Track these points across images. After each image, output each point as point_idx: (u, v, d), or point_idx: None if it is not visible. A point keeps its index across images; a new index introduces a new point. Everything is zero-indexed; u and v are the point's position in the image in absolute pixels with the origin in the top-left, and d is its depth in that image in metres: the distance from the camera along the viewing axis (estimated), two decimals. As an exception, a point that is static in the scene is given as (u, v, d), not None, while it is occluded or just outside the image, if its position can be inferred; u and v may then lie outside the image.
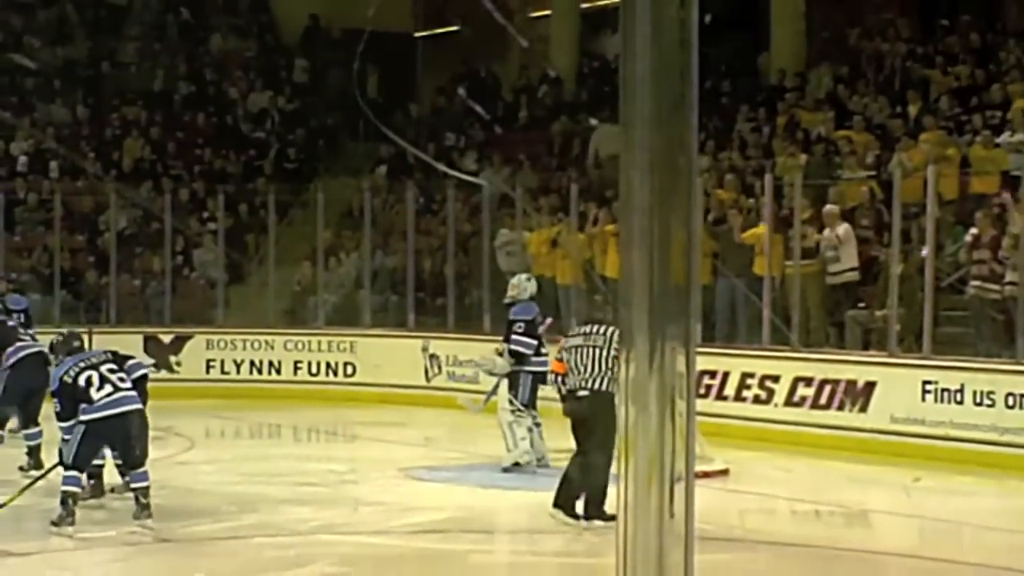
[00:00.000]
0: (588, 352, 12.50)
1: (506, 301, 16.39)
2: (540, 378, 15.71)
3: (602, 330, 12.66)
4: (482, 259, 23.01)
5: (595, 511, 12.36)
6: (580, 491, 12.48)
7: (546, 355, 15.72)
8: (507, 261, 22.63)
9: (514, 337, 15.76)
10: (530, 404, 15.79)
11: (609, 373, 12.21)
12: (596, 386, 12.38)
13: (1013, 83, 21.98)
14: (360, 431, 19.23)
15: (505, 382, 15.83)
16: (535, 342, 15.77)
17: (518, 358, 15.69)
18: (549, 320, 16.55)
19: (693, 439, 4.28)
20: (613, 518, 4.29)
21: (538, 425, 15.94)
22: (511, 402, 15.67)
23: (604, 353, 12.38)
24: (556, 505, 12.62)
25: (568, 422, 12.81)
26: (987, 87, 22.37)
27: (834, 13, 28.61)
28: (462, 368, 21.47)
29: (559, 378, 12.92)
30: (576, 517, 12.49)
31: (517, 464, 15.65)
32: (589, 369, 12.44)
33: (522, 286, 16.13)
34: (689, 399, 4.23)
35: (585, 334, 12.72)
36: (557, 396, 13.15)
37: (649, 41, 4.07)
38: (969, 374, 16.75)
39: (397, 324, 24.04)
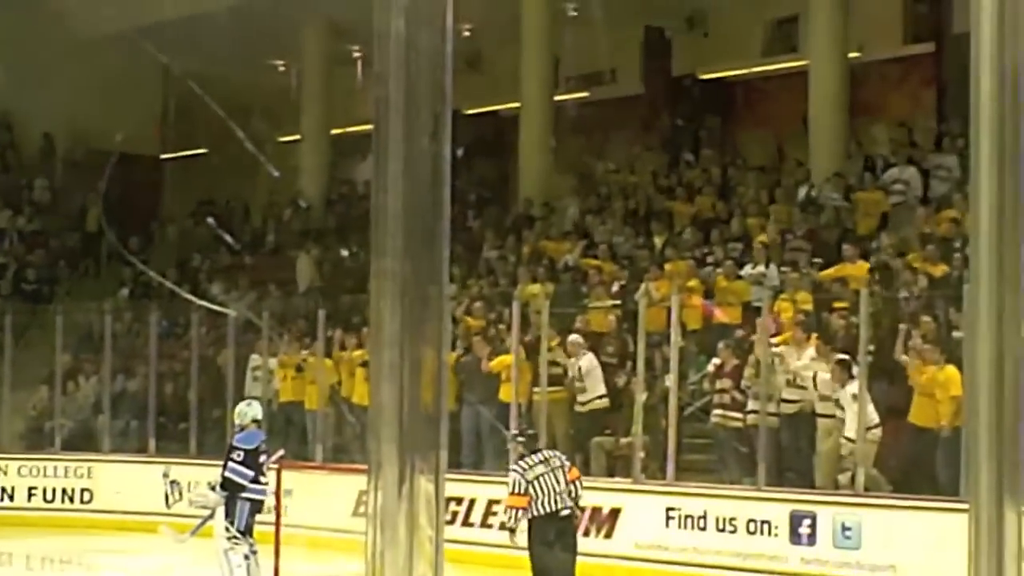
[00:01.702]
0: (554, 475, 13.09)
1: (236, 427, 16.29)
2: (257, 506, 15.66)
3: (554, 453, 13.61)
4: (226, 383, 22.69)
5: None
6: None
7: (266, 484, 15.71)
8: (254, 386, 22.41)
9: (230, 465, 15.63)
10: (246, 531, 15.67)
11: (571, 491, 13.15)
12: (572, 504, 13.18)
13: (752, 216, 22.59)
14: (97, 560, 18.70)
15: (222, 509, 15.66)
16: (252, 472, 15.66)
17: (232, 487, 15.54)
18: (281, 452, 16.46)
19: (442, 567, 4.23)
20: None
21: (255, 552, 15.81)
22: (227, 529, 15.52)
23: (564, 475, 13.12)
24: None
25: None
26: (728, 220, 22.95)
27: (581, 145, 29.18)
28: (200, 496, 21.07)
29: (518, 512, 13.12)
30: None
31: None
32: (562, 489, 13.09)
33: (242, 412, 16.01)
34: (438, 526, 4.19)
35: (543, 461, 13.19)
36: (512, 524, 13.25)
37: (401, 175, 4.06)
38: (712, 501, 16.99)
39: (138, 449, 23.54)
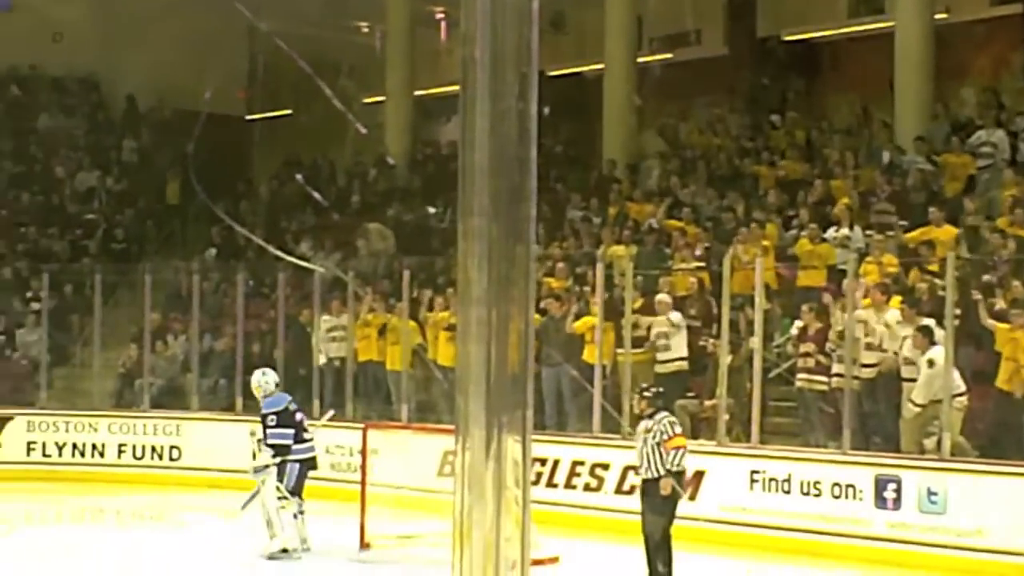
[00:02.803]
0: (644, 441, 13.55)
1: (259, 398, 16.64)
2: (308, 465, 16.10)
3: (664, 419, 13.63)
4: (311, 343, 22.85)
5: None
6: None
7: (310, 440, 16.16)
8: (329, 347, 22.58)
9: (269, 432, 15.91)
10: (296, 492, 15.99)
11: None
12: (656, 468, 13.50)
13: (837, 179, 22.45)
14: (186, 517, 18.89)
15: (274, 472, 15.87)
16: (291, 431, 15.89)
17: (280, 451, 15.76)
18: (332, 412, 17.18)
19: (528, 527, 4.26)
20: None
21: (302, 512, 16.25)
22: (278, 489, 15.76)
23: (660, 439, 13.44)
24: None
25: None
26: (812, 183, 22.80)
27: (666, 107, 29.06)
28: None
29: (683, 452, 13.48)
30: None
31: (285, 551, 15.82)
32: (649, 452, 13.49)
33: (261, 381, 16.50)
34: (525, 487, 4.21)
35: (647, 429, 13.53)
36: (673, 470, 13.47)
37: (488, 133, 4.07)
38: (797, 464, 16.94)
39: (225, 407, 23.74)
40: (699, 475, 17.56)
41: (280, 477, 15.87)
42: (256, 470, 16.22)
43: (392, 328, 22.08)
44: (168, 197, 32.36)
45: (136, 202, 32.35)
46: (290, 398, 16.61)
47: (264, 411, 16.12)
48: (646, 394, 13.78)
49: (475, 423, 4.12)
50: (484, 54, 4.11)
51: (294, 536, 15.86)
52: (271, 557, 15.80)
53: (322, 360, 22.50)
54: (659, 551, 13.60)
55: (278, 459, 15.84)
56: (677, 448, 13.37)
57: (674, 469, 13.38)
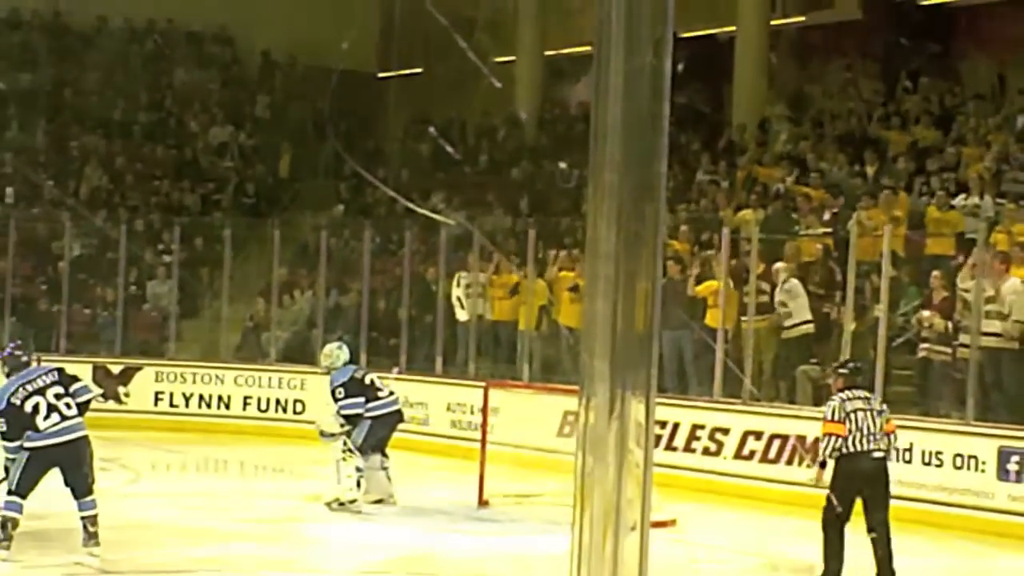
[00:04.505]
0: (871, 415, 12.35)
1: (322, 370, 16.83)
2: (385, 422, 16.31)
3: (876, 397, 12.93)
4: (436, 300, 22.97)
5: None
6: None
7: (386, 396, 16.42)
8: (467, 303, 22.61)
9: (340, 404, 16.14)
10: (377, 447, 16.18)
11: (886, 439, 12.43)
12: (885, 449, 12.41)
13: (970, 146, 22.14)
14: (309, 469, 19.11)
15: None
16: (362, 399, 16.16)
17: (353, 421, 16.09)
18: (398, 369, 16.83)
19: (649, 489, 4.26)
20: None
21: (386, 468, 16.43)
22: (345, 443, 15.99)
23: (881, 419, 12.40)
24: None
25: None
26: (944, 150, 22.52)
27: (797, 70, 28.81)
28: (412, 411, 21.36)
29: (836, 440, 12.30)
30: None
31: (341, 503, 15.91)
32: (877, 431, 12.33)
33: (334, 355, 16.62)
34: (647, 449, 4.22)
35: (863, 398, 12.47)
36: (829, 458, 12.43)
37: (622, 89, 4.07)
38: (919, 433, 16.79)
39: (349, 363, 23.88)
40: (819, 442, 17.45)
41: (350, 432, 16.05)
42: (323, 434, 16.43)
43: (523, 288, 22.12)
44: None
45: (268, 158, 32.68)
46: (356, 367, 16.80)
47: (332, 385, 16.26)
48: (842, 371, 12.78)
49: (599, 382, 4.13)
50: (619, 12, 4.11)
51: (353, 489, 15.90)
52: (327, 506, 15.96)
53: (464, 317, 22.47)
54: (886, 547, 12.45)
55: (348, 427, 16.02)
56: (894, 432, 12.58)
57: (890, 457, 12.51)
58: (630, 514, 4.16)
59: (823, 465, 12.52)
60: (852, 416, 12.25)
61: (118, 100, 33.13)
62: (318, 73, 26.88)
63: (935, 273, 18.33)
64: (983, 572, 15.07)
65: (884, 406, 12.66)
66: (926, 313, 18.05)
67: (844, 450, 12.24)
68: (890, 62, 27.84)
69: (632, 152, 4.09)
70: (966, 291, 17.45)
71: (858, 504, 12.43)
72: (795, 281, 19.24)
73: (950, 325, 17.75)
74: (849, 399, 12.36)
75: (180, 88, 34.15)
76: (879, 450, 12.30)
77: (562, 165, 26.37)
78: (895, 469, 16.44)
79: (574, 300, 20.46)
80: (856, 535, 12.38)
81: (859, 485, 12.34)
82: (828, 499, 12.37)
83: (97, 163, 30.83)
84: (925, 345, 18.03)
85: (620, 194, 4.09)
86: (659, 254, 4.21)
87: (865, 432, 12.24)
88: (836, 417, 12.29)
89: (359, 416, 16.08)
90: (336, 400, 16.17)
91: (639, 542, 4.14)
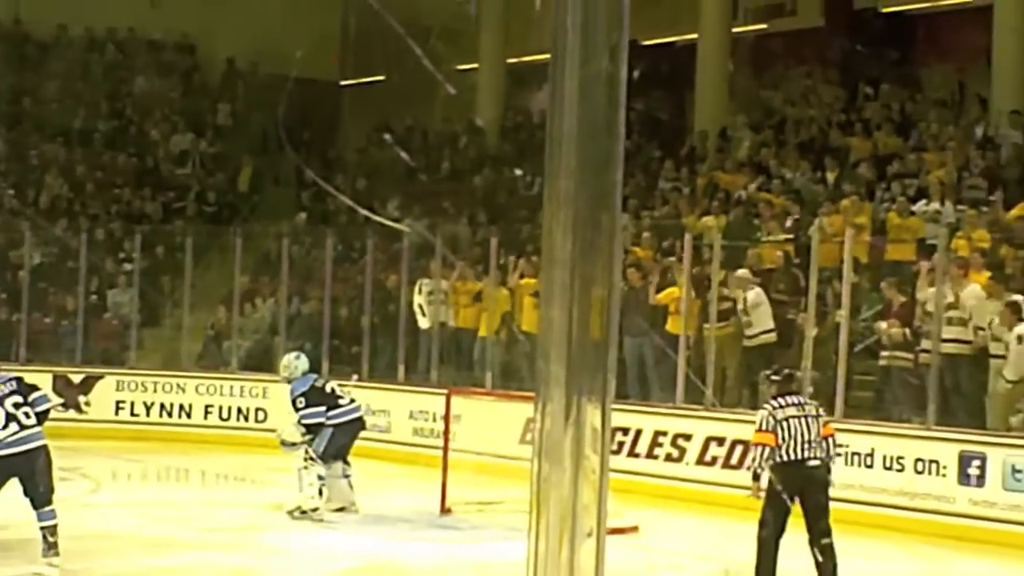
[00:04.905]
0: (806, 422, 11.97)
1: (281, 379, 16.81)
2: (346, 429, 16.24)
3: (809, 402, 12.45)
4: (399, 308, 22.94)
5: None
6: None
7: (347, 405, 16.35)
8: (429, 310, 22.60)
9: (300, 414, 16.14)
10: (335, 456, 16.17)
11: (823, 444, 12.02)
12: (823, 455, 12.04)
13: (930, 153, 22.25)
14: (271, 478, 19.07)
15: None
16: (323, 407, 16.14)
17: (314, 429, 16.07)
18: (356, 377, 17.42)
19: (606, 495, 4.26)
20: None
21: (348, 476, 16.42)
22: (307, 451, 16.00)
23: (818, 425, 12.02)
24: None
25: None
26: (904, 156, 22.62)
27: (758, 77, 28.91)
28: (374, 418, 21.33)
29: (765, 450, 11.96)
30: None
31: (303, 512, 15.88)
32: (813, 439, 11.93)
33: (292, 365, 16.60)
34: (603, 455, 4.21)
35: (797, 404, 12.09)
36: (760, 470, 12.07)
37: (577, 95, 4.08)
38: (880, 438, 16.86)
39: (311, 371, 23.83)
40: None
41: (312, 440, 16.03)
42: (284, 443, 16.43)
43: (486, 295, 22.12)
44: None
45: (229, 166, 32.62)
46: (316, 376, 16.79)
47: (292, 395, 16.26)
48: (774, 377, 12.33)
49: (555, 387, 4.13)
50: (576, 18, 4.11)
51: (315, 498, 15.90)
52: (289, 514, 15.95)
53: (425, 324, 22.45)
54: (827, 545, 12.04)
55: (309, 436, 16.01)
56: (832, 436, 12.18)
57: (831, 462, 12.15)
58: (586, 520, 4.15)
59: (756, 477, 12.11)
60: (784, 424, 11.91)
61: (78, 108, 33.02)
62: (280, 81, 26.84)
63: (884, 283, 18.41)
64: (944, 576, 15.13)
65: (821, 411, 12.32)
66: (883, 325, 18.12)
67: (779, 459, 11.88)
68: (851, 69, 27.96)
69: (588, 159, 4.09)
70: (924, 301, 17.54)
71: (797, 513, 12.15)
72: (758, 290, 19.29)
73: (908, 332, 17.83)
74: (781, 407, 11.99)
75: (141, 96, 34.06)
76: (815, 458, 11.91)
77: (518, 172, 26.40)
78: (857, 474, 16.60)
79: (536, 306, 20.46)
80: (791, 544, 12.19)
81: (796, 495, 11.90)
82: (763, 515, 12.01)
83: (57, 172, 30.74)
84: (886, 353, 18.10)
85: (576, 201, 4.09)
86: (616, 261, 4.21)
87: (800, 440, 11.86)
88: (766, 427, 11.95)
89: (320, 425, 16.07)
90: (297, 410, 16.15)
91: (595, 548, 4.14)
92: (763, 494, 12.03)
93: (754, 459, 12.12)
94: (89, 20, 33.93)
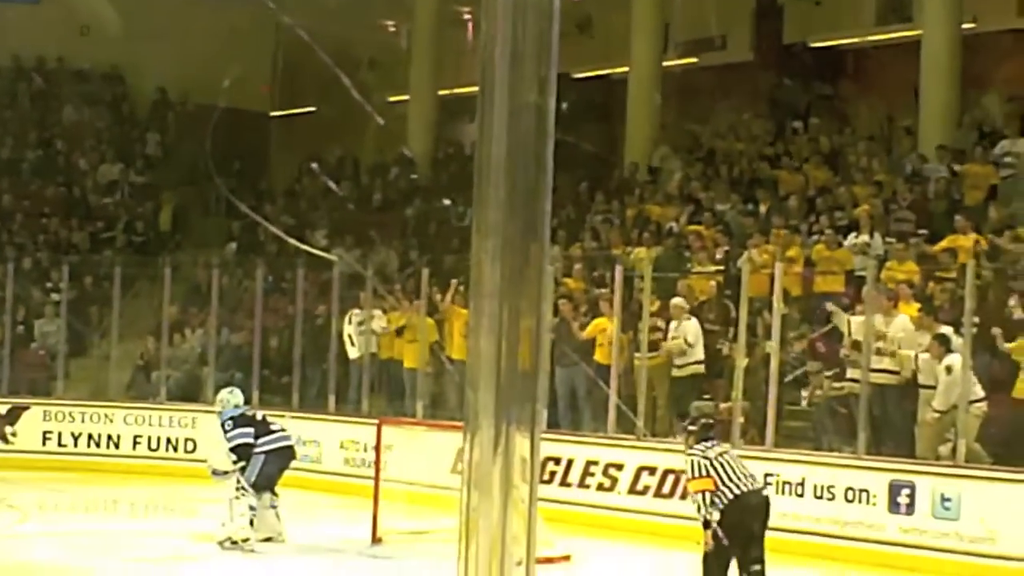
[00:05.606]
0: (734, 457, 12.01)
1: (216, 412, 16.74)
2: (277, 456, 16.17)
3: (727, 446, 12.49)
4: (329, 339, 22.87)
5: None
6: None
7: (278, 431, 16.35)
8: (358, 341, 22.53)
9: (229, 435, 16.09)
10: (265, 486, 16.11)
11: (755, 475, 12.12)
12: (761, 483, 12.10)
13: (859, 186, 22.42)
14: (200, 508, 18.95)
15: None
16: (251, 429, 16.13)
17: (243, 451, 16.00)
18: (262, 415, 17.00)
19: (535, 525, 4.26)
20: None
21: (274, 506, 16.38)
22: (238, 480, 15.93)
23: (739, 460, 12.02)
24: None
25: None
26: (834, 189, 22.79)
27: (688, 110, 29.06)
28: (305, 448, 21.22)
29: (707, 496, 11.61)
30: None
31: (233, 542, 15.81)
32: (748, 470, 11.93)
33: (225, 400, 16.57)
34: (532, 484, 4.22)
35: (718, 444, 12.02)
36: (707, 513, 11.62)
37: (506, 126, 4.09)
38: (811, 468, 16.95)
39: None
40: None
41: (243, 469, 15.96)
42: (215, 473, 16.36)
43: (410, 326, 22.09)
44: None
45: (158, 196, 32.43)
46: (246, 408, 16.78)
47: (221, 420, 16.22)
48: (692, 427, 12.07)
49: (484, 417, 4.13)
50: (504, 50, 4.13)
51: (246, 528, 15.82)
52: (220, 544, 15.86)
53: (355, 354, 22.35)
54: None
55: (240, 463, 15.92)
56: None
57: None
58: (516, 549, 4.16)
59: (707, 524, 11.59)
60: (719, 461, 11.72)
61: (6, 137, 32.82)
62: (209, 112, 26.75)
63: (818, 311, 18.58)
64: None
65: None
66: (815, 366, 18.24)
67: (729, 496, 11.61)
68: (780, 103, 28.18)
69: (516, 190, 4.10)
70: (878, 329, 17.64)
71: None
72: (694, 321, 19.37)
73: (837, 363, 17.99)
74: (708, 448, 11.81)
75: (69, 126, 33.85)
76: (757, 485, 12.01)
77: (447, 202, 26.40)
78: (788, 503, 16.68)
79: (466, 335, 20.45)
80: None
81: (750, 523, 11.75)
82: (716, 545, 11.61)
83: (-15, 201, 30.50)
84: (816, 381, 18.23)
85: (504, 231, 4.10)
86: (545, 291, 4.23)
87: (739, 473, 11.73)
88: (702, 472, 11.67)
89: (250, 447, 15.95)
90: (225, 432, 16.06)
91: (525, 578, 4.14)
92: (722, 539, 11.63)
93: (698, 508, 11.68)
94: (17, 49, 33.72)
